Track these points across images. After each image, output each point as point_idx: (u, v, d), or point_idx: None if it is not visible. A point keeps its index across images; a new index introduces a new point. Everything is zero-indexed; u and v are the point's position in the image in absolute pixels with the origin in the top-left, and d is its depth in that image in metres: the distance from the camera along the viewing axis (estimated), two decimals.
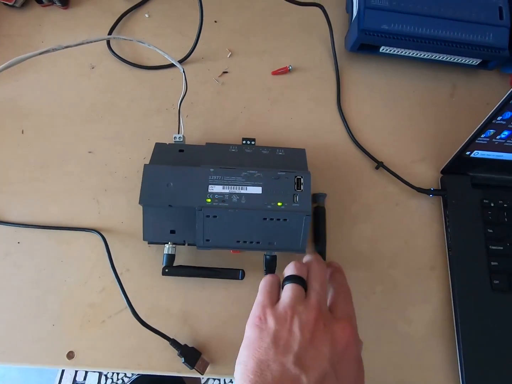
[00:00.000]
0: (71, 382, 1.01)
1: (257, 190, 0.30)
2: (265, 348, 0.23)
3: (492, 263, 0.35)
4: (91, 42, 0.30)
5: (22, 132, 0.37)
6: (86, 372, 1.01)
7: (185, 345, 0.31)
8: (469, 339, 0.32)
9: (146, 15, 0.42)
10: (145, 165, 0.30)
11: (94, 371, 0.96)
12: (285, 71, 0.41)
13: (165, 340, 0.31)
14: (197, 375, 0.31)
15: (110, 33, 0.41)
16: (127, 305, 0.30)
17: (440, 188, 0.38)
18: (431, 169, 0.39)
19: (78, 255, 0.34)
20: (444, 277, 0.35)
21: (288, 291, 0.26)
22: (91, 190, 0.36)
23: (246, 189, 0.30)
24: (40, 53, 0.27)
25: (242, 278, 0.32)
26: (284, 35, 0.43)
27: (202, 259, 0.34)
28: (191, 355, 0.31)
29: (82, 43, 0.29)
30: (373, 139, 0.40)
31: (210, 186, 0.30)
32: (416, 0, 0.38)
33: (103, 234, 0.34)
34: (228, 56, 0.41)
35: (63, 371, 1.02)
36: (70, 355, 0.31)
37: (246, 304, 0.34)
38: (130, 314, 0.31)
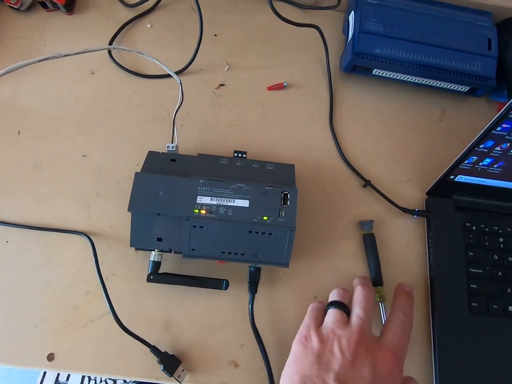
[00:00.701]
0: (54, 382, 1.00)
1: (244, 203, 0.31)
2: (309, 364, 0.25)
3: (472, 285, 0.35)
4: (90, 51, 0.31)
5: (18, 133, 0.38)
6: None
7: (165, 352, 0.31)
8: (445, 359, 0.33)
9: (149, 25, 0.43)
10: (136, 173, 0.31)
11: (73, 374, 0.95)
12: (280, 87, 0.42)
13: (146, 347, 0.31)
14: (176, 383, 0.31)
15: (112, 41, 0.42)
16: (110, 310, 0.31)
17: (424, 209, 0.39)
18: (417, 190, 0.41)
19: (65, 257, 0.34)
20: (424, 297, 0.36)
21: (330, 315, 0.28)
22: (83, 193, 0.36)
23: (234, 202, 0.31)
24: (40, 60, 0.28)
25: (226, 288, 0.32)
26: (281, 53, 0.44)
27: (187, 267, 0.35)
28: (171, 362, 0.31)
29: (82, 52, 0.30)
30: (362, 158, 0.41)
31: (198, 197, 0.30)
32: (409, 27, 0.40)
33: (91, 237, 0.34)
34: (225, 69, 0.42)
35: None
36: (50, 357, 0.31)
37: (228, 314, 0.34)
38: (113, 319, 0.31)
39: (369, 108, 0.43)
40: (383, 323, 0.35)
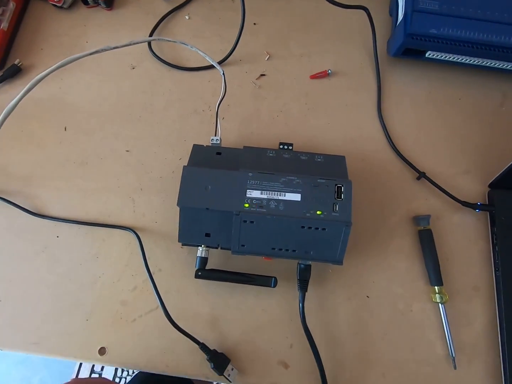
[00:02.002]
0: (89, 371, 1.04)
1: (296, 197, 0.29)
2: None
3: None
4: (137, 43, 0.30)
5: (65, 129, 0.38)
6: None
7: (215, 350, 0.31)
8: None
9: (187, 17, 0.42)
10: (184, 167, 0.30)
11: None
12: (324, 75, 0.40)
13: (194, 343, 0.31)
14: (225, 382, 0.30)
15: (151, 34, 0.41)
16: (160, 306, 0.30)
17: (487, 203, 0.36)
18: (476, 183, 0.37)
19: (112, 252, 0.34)
20: (489, 299, 0.33)
21: None
22: (127, 188, 0.36)
23: (285, 196, 0.29)
24: (91, 53, 0.27)
25: (275, 286, 0.31)
26: (323, 39, 0.42)
27: (233, 263, 0.34)
28: (220, 361, 0.30)
29: (129, 44, 0.29)
30: (415, 149, 0.38)
31: (248, 190, 0.29)
32: (467, 3, 0.36)
33: (137, 233, 0.34)
34: (266, 59, 0.41)
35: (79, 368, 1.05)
36: (102, 351, 0.32)
37: (275, 313, 0.33)
38: (160, 314, 0.31)
39: (421, 94, 0.40)
40: (444, 325, 0.32)
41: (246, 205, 0.29)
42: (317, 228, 0.29)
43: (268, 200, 0.29)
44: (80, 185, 0.36)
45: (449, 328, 0.32)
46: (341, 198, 0.29)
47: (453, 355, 0.31)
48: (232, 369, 0.30)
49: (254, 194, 0.29)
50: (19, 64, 0.39)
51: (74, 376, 1.02)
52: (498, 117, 0.39)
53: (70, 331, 0.32)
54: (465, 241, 0.35)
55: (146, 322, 0.33)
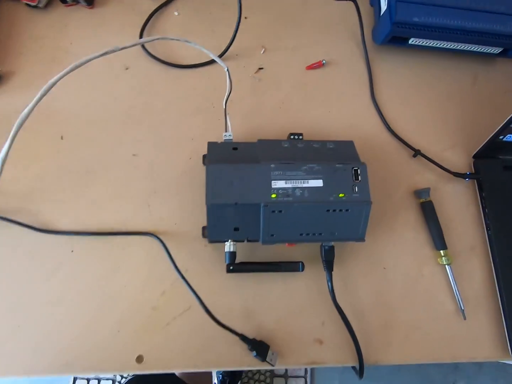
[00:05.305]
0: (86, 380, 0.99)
1: (318, 183, 0.31)
2: None
3: None
4: (145, 42, 0.29)
5: (62, 138, 0.36)
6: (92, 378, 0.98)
7: (254, 339, 0.32)
8: None
9: (176, 13, 0.42)
10: (207, 166, 0.30)
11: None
12: (319, 65, 0.41)
13: (232, 336, 0.31)
14: (269, 367, 0.31)
15: (141, 32, 0.40)
16: (199, 302, 0.31)
17: (473, 172, 0.40)
18: (462, 155, 0.41)
19: (134, 260, 0.34)
20: (485, 256, 0.38)
21: None
22: (140, 193, 0.35)
23: (308, 183, 0.30)
24: (100, 55, 0.26)
25: (303, 270, 0.33)
26: (312, 31, 0.43)
27: (255, 254, 0.35)
28: (261, 348, 0.31)
29: (137, 44, 0.29)
30: (407, 129, 0.41)
31: (273, 181, 0.30)
32: None
33: (159, 236, 0.33)
34: (262, 52, 0.41)
35: (74, 379, 1.00)
36: (140, 359, 0.31)
37: (304, 295, 0.35)
38: (194, 314, 0.31)
39: (406, 78, 0.43)
40: (452, 283, 0.36)
41: (274, 195, 0.30)
42: (341, 210, 0.31)
43: (293, 188, 0.30)
44: (87, 195, 0.35)
45: (456, 285, 0.36)
46: (358, 180, 0.31)
47: (462, 308, 0.35)
48: (273, 354, 0.32)
49: (279, 184, 0.30)
50: None
51: None
52: (471, 95, 0.44)
53: (102, 346, 0.31)
54: (459, 207, 0.39)
55: (180, 324, 0.33)
